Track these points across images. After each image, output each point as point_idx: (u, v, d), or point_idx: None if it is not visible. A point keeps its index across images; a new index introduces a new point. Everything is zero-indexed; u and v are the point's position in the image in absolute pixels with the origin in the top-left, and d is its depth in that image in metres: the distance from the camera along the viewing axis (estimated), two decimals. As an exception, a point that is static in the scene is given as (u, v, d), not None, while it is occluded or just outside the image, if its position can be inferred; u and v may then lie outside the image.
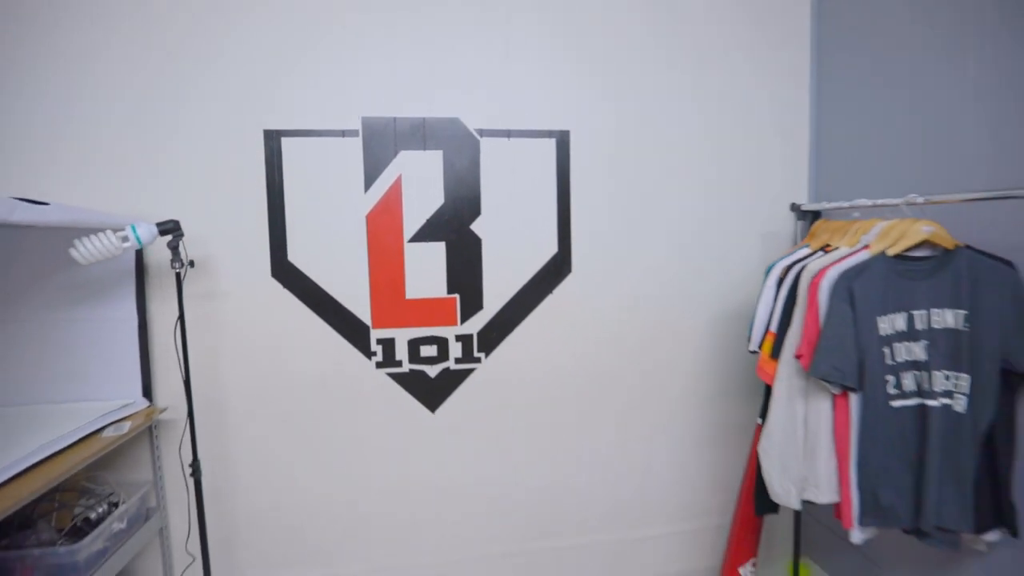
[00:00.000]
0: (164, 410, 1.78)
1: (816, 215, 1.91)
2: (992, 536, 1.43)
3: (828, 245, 1.68)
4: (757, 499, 1.78)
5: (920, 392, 1.43)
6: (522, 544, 2.10)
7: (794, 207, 1.96)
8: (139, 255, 1.75)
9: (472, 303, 1.98)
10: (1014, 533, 1.40)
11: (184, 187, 1.77)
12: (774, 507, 1.78)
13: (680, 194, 2.07)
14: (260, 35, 1.79)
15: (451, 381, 1.99)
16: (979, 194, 1.36)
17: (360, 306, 1.91)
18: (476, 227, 1.95)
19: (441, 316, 1.96)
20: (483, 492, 2.05)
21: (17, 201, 1.27)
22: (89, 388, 1.75)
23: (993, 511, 1.42)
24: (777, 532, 2.22)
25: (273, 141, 1.80)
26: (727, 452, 2.19)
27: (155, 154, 1.76)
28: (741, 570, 2.03)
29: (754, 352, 1.74)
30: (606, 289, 2.05)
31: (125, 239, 1.46)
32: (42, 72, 1.70)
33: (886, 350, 1.43)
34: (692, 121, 2.05)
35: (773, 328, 1.66)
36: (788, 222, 2.07)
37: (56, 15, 1.70)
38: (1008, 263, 1.39)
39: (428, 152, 1.90)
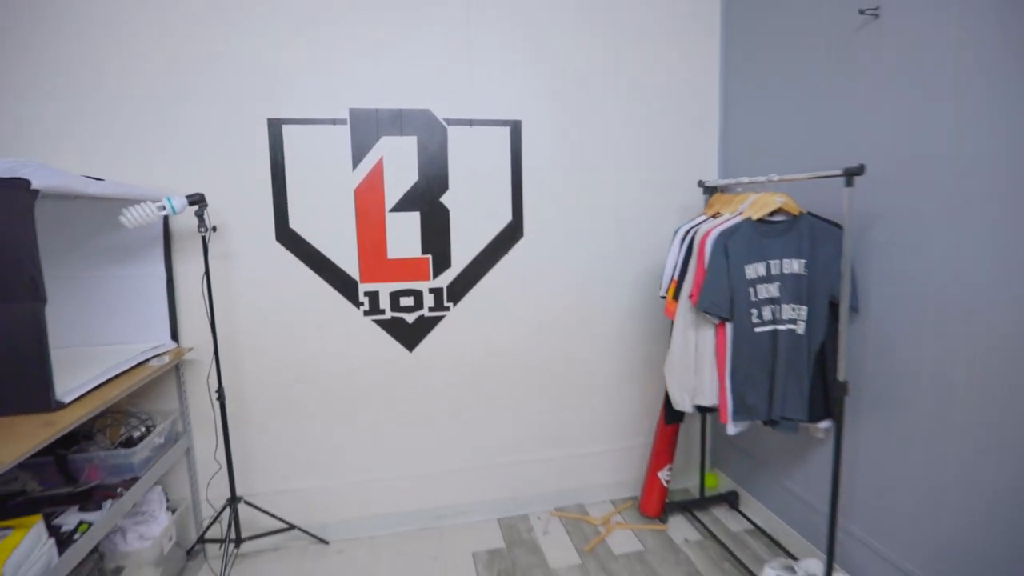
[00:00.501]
0: (190, 350, 2.17)
1: (716, 190, 2.38)
2: (824, 424, 1.97)
3: (718, 213, 2.16)
4: (666, 411, 2.29)
5: (774, 320, 1.94)
6: (487, 459, 2.56)
7: (701, 184, 2.43)
8: (166, 223, 2.10)
9: (442, 262, 2.38)
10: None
11: (202, 167, 2.11)
12: (680, 416, 2.30)
13: (615, 173, 2.50)
14: (262, 37, 2.11)
15: (425, 326, 2.41)
16: (813, 173, 1.84)
17: (350, 264, 2.30)
18: (445, 199, 2.35)
19: (417, 272, 2.36)
20: (453, 416, 2.49)
21: (88, 178, 1.64)
22: (126, 333, 2.10)
23: (823, 406, 1.95)
24: (692, 449, 2.76)
25: (275, 128, 2.16)
26: (650, 384, 2.68)
27: (174, 141, 2.08)
28: (660, 474, 2.55)
29: (663, 297, 2.22)
30: (552, 251, 2.49)
31: (162, 208, 1.81)
32: (55, 74, 1.98)
33: (751, 290, 1.93)
34: (626, 113, 2.47)
35: (676, 277, 2.14)
36: (699, 196, 2.54)
37: (63, 24, 1.97)
38: (837, 225, 1.88)
39: (405, 137, 2.28)
